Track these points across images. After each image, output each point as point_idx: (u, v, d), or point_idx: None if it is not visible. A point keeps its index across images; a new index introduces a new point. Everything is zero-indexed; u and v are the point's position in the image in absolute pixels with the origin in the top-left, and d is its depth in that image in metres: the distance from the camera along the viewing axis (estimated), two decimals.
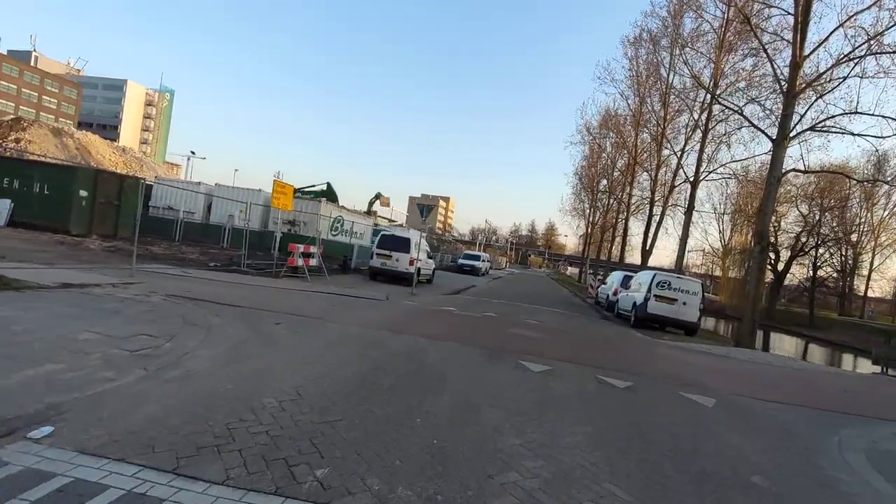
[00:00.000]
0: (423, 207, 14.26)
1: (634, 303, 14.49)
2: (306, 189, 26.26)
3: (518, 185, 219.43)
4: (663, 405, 5.30)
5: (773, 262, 54.62)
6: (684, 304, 13.48)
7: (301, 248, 13.52)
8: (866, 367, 28.21)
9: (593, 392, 5.35)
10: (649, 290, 13.73)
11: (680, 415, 4.99)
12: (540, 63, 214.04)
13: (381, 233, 17.38)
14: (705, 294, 14.59)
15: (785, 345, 35.03)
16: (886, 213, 56.68)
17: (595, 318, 16.58)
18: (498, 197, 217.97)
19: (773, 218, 54.68)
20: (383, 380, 4.68)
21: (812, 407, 6.33)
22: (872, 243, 58.64)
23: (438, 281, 21.87)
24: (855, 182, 45.43)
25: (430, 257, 19.24)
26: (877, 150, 19.08)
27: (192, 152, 45.59)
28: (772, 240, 55.03)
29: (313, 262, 14.27)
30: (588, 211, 57.39)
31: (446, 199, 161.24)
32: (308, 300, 9.94)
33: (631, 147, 38.60)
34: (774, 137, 16.62)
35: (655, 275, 13.97)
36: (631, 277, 17.01)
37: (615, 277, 19.54)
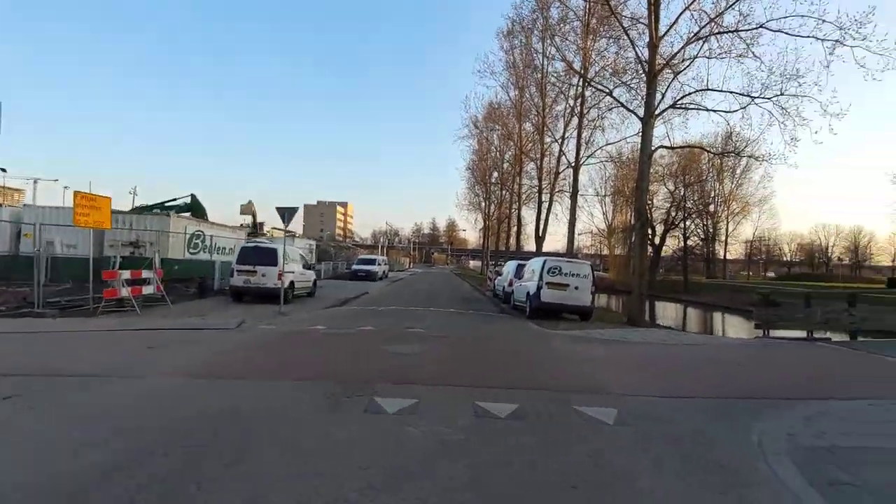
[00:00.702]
0: (285, 212, 12.10)
1: (528, 293, 13.71)
2: (167, 203, 22.51)
3: (418, 185, 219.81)
4: (554, 436, 4.02)
5: (651, 236, 59.39)
6: (576, 288, 12.93)
7: (125, 274, 10.72)
8: (736, 323, 31.18)
9: (465, 435, 3.91)
10: (541, 277, 12.99)
11: (576, 450, 3.72)
12: (430, 61, 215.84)
13: (241, 246, 14.88)
14: (595, 274, 14.26)
15: (668, 312, 37.79)
16: (734, 184, 64.52)
17: (492, 313, 15.65)
18: (398, 198, 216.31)
19: (647, 196, 59.76)
20: (127, 481, 2.80)
21: (717, 396, 5.54)
22: (726, 212, 66.58)
23: (325, 292, 19.70)
24: (710, 158, 50.79)
25: (307, 267, 17.03)
26: (728, 123, 20.65)
27: (3, 169, 37.18)
28: (648, 216, 59.99)
29: (148, 289, 11.48)
30: (483, 204, 58.01)
31: (344, 205, 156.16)
32: (114, 345, 7.50)
33: (516, 138, 39.05)
34: (642, 116, 16.97)
35: (546, 261, 13.27)
36: (524, 266, 16.34)
37: (510, 267, 18.87)
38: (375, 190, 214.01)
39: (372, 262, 32.54)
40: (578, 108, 26.27)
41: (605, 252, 70.53)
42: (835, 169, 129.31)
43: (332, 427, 3.98)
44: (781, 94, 14.29)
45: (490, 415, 4.47)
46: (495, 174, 51.29)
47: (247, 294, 14.26)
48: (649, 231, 58.94)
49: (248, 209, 23.86)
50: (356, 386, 5.24)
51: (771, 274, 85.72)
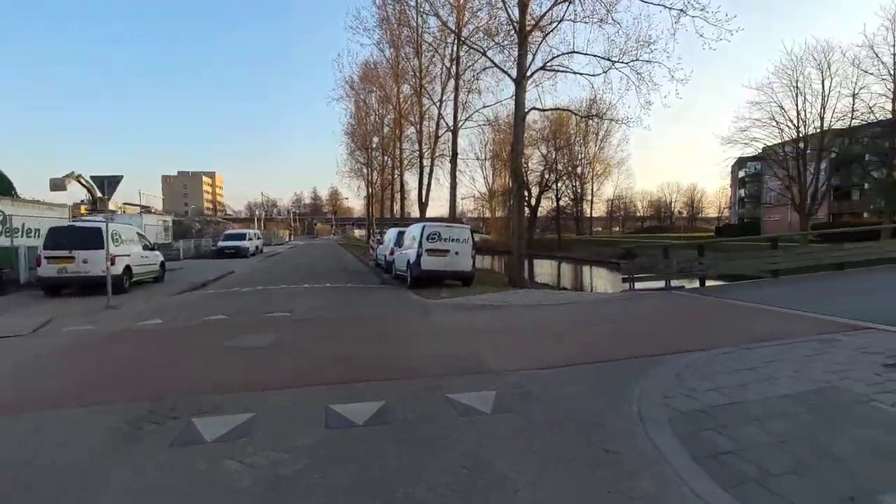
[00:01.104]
0: (105, 181, 9.72)
1: (408, 261, 13.02)
2: None
3: (298, 154, 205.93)
4: (421, 441, 3.30)
5: (527, 198, 62.54)
6: (456, 253, 12.54)
7: None
8: (604, 275, 34.31)
9: (307, 461, 3.00)
10: (420, 244, 12.34)
11: (446, 457, 3.04)
12: (298, 11, 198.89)
13: (51, 227, 11.93)
14: (475, 239, 14.04)
15: (545, 269, 40.29)
16: (597, 147, 70.10)
17: (372, 285, 14.74)
18: (276, 168, 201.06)
19: (523, 160, 62.49)
20: None
21: (596, 361, 5.32)
22: (591, 173, 72.43)
23: (180, 275, 17.09)
24: (577, 122, 54.25)
25: (150, 248, 14.39)
26: (592, 87, 21.89)
27: None
28: (524, 179, 62.87)
29: None
30: (365, 170, 55.86)
31: (211, 175, 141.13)
32: None
33: (395, 101, 37.49)
34: (515, 77, 16.88)
35: (424, 227, 12.63)
36: (405, 233, 15.59)
37: (391, 235, 18.00)
38: (251, 160, 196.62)
39: (241, 236, 29.40)
40: (454, 69, 25.67)
41: (488, 215, 73.04)
42: (677, 131, 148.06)
43: (114, 476, 2.81)
44: (637, 60, 15.25)
45: (346, 422, 3.62)
46: (375, 139, 49.35)
47: (66, 286, 11.55)
48: (526, 193, 62.19)
49: (60, 184, 19.28)
50: (173, 403, 4.01)
51: (628, 229, 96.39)
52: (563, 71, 17.77)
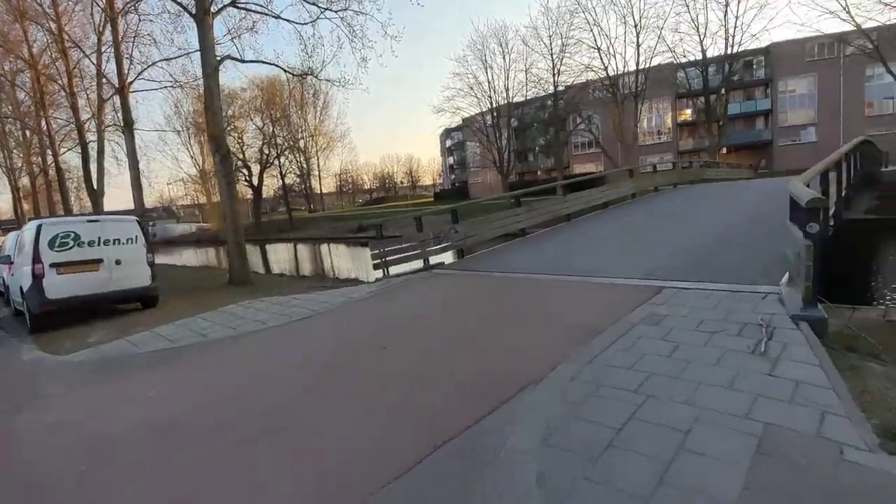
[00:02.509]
0: None
1: (21, 287, 7.51)
2: None
3: None
4: None
5: (248, 177, 55.17)
6: (118, 263, 7.75)
7: None
8: (344, 253, 32.15)
9: None
10: (36, 257, 7.07)
11: None
12: None
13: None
14: (150, 236, 9.32)
15: (281, 255, 35.78)
16: (317, 119, 67.03)
17: None
18: None
19: (237, 134, 54.44)
20: None
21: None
22: (315, 147, 69.24)
23: None
24: (291, 90, 49.71)
25: None
26: (302, 38, 18.66)
27: None
28: (241, 156, 55.08)
29: None
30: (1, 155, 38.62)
31: None
32: None
33: (25, 50, 25.63)
34: (195, 13, 12.28)
35: (41, 227, 7.28)
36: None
37: (8, 243, 11.04)
38: None
39: None
40: (108, 7, 18.20)
41: (204, 200, 62.28)
42: (395, 106, 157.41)
43: None
44: (347, 10, 13.27)
45: None
46: (6, 108, 34.11)
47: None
48: (246, 172, 54.78)
49: None
50: None
51: (359, 201, 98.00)
52: (260, 12, 13.95)
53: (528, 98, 39.05)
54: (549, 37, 34.62)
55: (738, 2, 30.88)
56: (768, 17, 67.49)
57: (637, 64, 33.23)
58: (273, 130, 52.72)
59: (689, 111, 43.87)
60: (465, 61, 36.71)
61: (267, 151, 54.91)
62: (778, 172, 31.76)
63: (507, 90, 38.05)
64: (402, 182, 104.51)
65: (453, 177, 70.31)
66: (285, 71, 24.75)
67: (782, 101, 42.01)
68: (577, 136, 45.45)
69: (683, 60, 34.05)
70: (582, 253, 8.11)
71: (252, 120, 54.00)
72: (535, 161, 54.84)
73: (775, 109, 42.20)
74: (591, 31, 33.53)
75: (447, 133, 61.12)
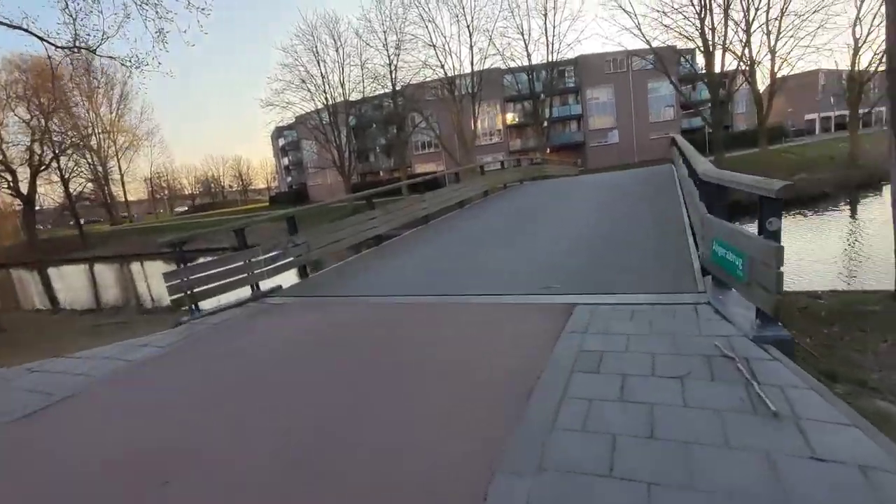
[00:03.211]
0: None
1: None
2: None
3: None
4: None
5: (12, 184, 43.09)
6: None
7: None
8: (158, 272, 26.37)
9: None
10: None
11: None
12: None
13: None
14: None
15: (74, 282, 28.13)
16: (114, 113, 55.79)
17: None
18: None
19: None
20: None
21: None
22: (114, 147, 57.52)
23: None
24: (72, 75, 39.97)
25: None
26: (67, 6, 14.06)
27: None
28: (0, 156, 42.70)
29: None
30: None
31: None
32: None
33: None
34: None
35: None
36: None
37: None
38: None
39: None
40: None
41: None
42: (220, 102, 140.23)
43: None
44: None
45: None
46: None
47: None
48: (9, 177, 42.57)
49: None
50: None
51: (181, 208, 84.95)
52: None
53: (366, 95, 37.44)
54: (384, 31, 33.55)
55: (555, 13, 33.63)
56: (580, 30, 76.91)
57: (472, 64, 34.12)
58: (46, 124, 41.84)
59: (510, 115, 47.23)
60: (295, 52, 33.52)
61: (39, 151, 43.59)
62: (592, 169, 35.68)
63: (343, 85, 35.92)
64: (230, 186, 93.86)
65: (290, 179, 65.16)
66: (41, 39, 18.94)
67: (590, 107, 47.76)
68: (418, 136, 45.42)
69: (512, 65, 36.08)
70: (457, 263, 6.80)
71: (13, 110, 42.22)
72: (377, 161, 53.56)
73: (585, 114, 47.80)
74: (426, 27, 33.48)
75: (279, 132, 56.08)
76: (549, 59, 35.33)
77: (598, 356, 3.14)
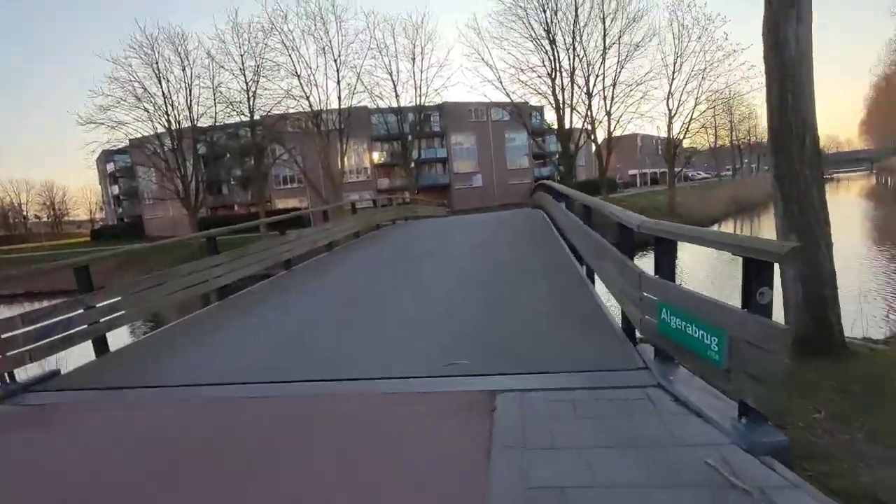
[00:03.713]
0: None
1: None
2: None
3: None
4: None
5: None
6: None
7: None
8: None
9: None
10: None
11: None
12: None
13: None
14: None
15: None
16: None
17: None
18: None
19: None
20: None
21: None
22: None
23: None
24: None
25: None
26: None
27: None
28: None
29: None
30: None
31: None
32: None
33: None
34: None
35: None
36: None
37: None
38: None
39: None
40: None
41: None
42: (30, 119, 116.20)
43: None
44: None
45: None
46: None
47: None
48: None
49: None
50: None
51: None
52: None
53: (219, 122, 33.77)
54: (241, 55, 30.85)
55: (423, 58, 34.51)
56: (446, 76, 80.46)
57: (339, 99, 33.03)
58: None
59: (377, 154, 47.13)
60: (129, 65, 28.80)
61: None
62: (458, 211, 36.63)
63: (190, 109, 31.90)
64: (37, 216, 77.24)
65: (121, 210, 55.67)
66: None
67: (455, 151, 49.83)
68: (280, 169, 42.33)
69: (381, 104, 35.89)
70: (329, 327, 5.33)
71: None
72: (231, 194, 48.60)
73: (450, 158, 49.66)
74: (290, 55, 31.61)
75: (108, 155, 47.80)
76: (418, 103, 35.95)
77: (559, 495, 2.09)
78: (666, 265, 3.11)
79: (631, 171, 66.07)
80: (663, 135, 37.17)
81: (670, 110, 32.86)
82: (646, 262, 3.74)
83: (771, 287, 2.26)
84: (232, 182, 47.76)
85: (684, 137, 33.76)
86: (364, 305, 6.02)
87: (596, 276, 5.75)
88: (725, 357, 2.45)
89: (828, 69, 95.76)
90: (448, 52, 64.73)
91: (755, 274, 2.27)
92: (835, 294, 4.72)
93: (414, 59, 34.32)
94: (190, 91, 31.77)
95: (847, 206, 33.42)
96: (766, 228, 34.55)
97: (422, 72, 34.85)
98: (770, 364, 2.17)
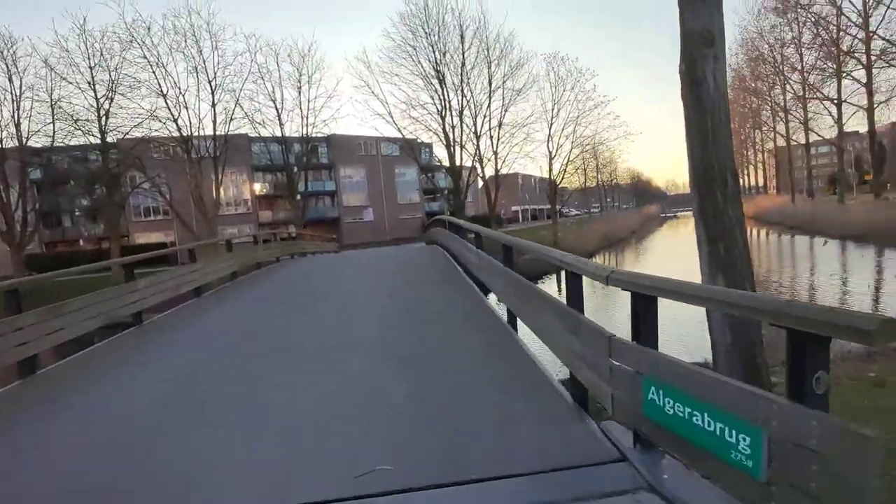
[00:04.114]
0: None
1: None
2: None
3: None
4: None
5: None
6: None
7: None
8: None
9: None
10: None
11: None
12: None
13: None
14: None
15: None
16: None
17: None
18: None
19: None
20: None
21: None
22: None
23: None
24: None
25: None
26: None
27: None
28: None
29: None
30: None
31: None
32: None
33: None
34: None
35: None
36: None
37: None
38: None
39: None
40: None
41: None
42: None
43: None
44: None
45: None
46: None
47: None
48: None
49: None
50: None
51: None
52: None
53: (59, 143, 28.63)
54: (91, 67, 26.67)
55: (310, 87, 33.03)
56: (335, 108, 77.90)
57: (214, 124, 30.04)
58: None
59: (258, 185, 44.06)
60: None
61: None
62: (349, 245, 35.09)
63: (17, 125, 26.60)
64: None
65: None
66: None
67: (344, 184, 48.38)
68: (142, 199, 37.11)
69: (264, 132, 33.49)
70: (192, 412, 3.81)
71: None
72: (76, 227, 41.45)
73: (339, 191, 48.05)
74: (154, 72, 28.11)
75: None
76: (304, 133, 34.19)
77: None
78: (648, 327, 2.46)
79: (514, 208, 70.12)
80: (544, 175, 39.82)
81: (550, 152, 35.34)
82: (548, 286, 3.04)
83: (828, 370, 1.67)
84: (77, 213, 40.72)
85: (563, 178, 36.43)
86: (242, 379, 4.53)
87: (518, 321, 5.19)
88: (763, 466, 1.79)
89: (667, 112, 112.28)
90: (337, 83, 63.86)
91: (810, 352, 1.66)
92: (760, 337, 4.59)
93: (300, 88, 32.74)
94: (17, 103, 26.54)
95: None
96: (629, 261, 38.24)
97: (309, 101, 33.33)
98: (851, 483, 1.53)
